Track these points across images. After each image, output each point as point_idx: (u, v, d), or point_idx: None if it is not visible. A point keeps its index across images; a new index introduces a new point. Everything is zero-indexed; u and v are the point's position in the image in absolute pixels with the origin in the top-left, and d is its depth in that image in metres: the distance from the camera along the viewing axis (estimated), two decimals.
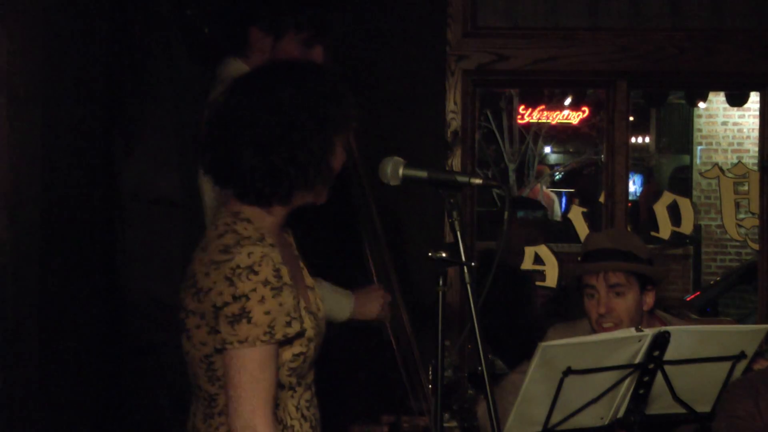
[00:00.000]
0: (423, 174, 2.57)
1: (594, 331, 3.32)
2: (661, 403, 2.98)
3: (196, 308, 2.31)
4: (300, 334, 2.33)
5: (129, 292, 3.76)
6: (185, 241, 3.72)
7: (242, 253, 2.26)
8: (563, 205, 13.20)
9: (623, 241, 3.40)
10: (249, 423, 2.25)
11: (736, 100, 10.81)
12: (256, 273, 2.24)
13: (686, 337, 2.88)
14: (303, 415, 2.42)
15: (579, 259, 3.47)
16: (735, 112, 12.43)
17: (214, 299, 2.26)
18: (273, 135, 2.29)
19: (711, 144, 12.92)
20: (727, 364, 2.96)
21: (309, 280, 2.53)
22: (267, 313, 2.24)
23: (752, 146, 11.83)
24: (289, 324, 2.28)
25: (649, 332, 2.83)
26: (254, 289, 2.24)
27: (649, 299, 3.36)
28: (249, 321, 2.23)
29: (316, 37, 3.28)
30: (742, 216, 4.66)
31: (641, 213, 11.56)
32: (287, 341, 2.31)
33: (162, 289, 3.72)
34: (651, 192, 12.26)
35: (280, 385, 2.35)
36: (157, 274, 3.75)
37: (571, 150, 14.01)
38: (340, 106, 2.35)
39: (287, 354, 2.34)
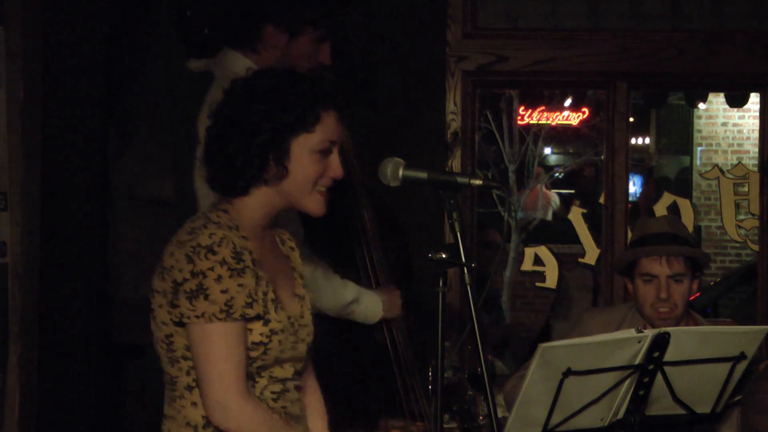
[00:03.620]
0: (423, 175, 2.57)
1: (644, 316, 3.36)
2: (661, 404, 2.98)
3: (160, 287, 2.39)
4: (258, 318, 2.38)
5: (119, 291, 3.76)
6: None
7: (204, 234, 2.35)
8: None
9: (680, 227, 3.45)
10: (220, 400, 2.32)
11: (736, 100, 10.79)
12: (214, 253, 2.32)
13: (686, 338, 2.88)
14: (268, 406, 2.44)
15: (632, 242, 3.48)
16: (735, 113, 12.42)
17: (174, 276, 2.34)
18: (228, 128, 2.41)
19: (711, 145, 12.90)
20: (727, 365, 2.96)
21: (300, 290, 2.57)
22: (224, 291, 2.32)
23: (752, 147, 11.82)
24: (249, 305, 2.35)
25: (648, 333, 2.83)
26: (211, 268, 2.32)
27: (695, 286, 3.43)
28: (206, 298, 2.31)
29: (328, 34, 3.31)
30: (742, 217, 4.66)
31: (641, 214, 11.55)
32: (248, 323, 2.37)
33: (150, 289, 3.72)
34: (650, 193, 12.24)
35: None
36: (146, 274, 3.75)
37: (571, 151, 13.99)
38: (291, 110, 2.41)
39: (246, 340, 2.38)
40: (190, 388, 2.41)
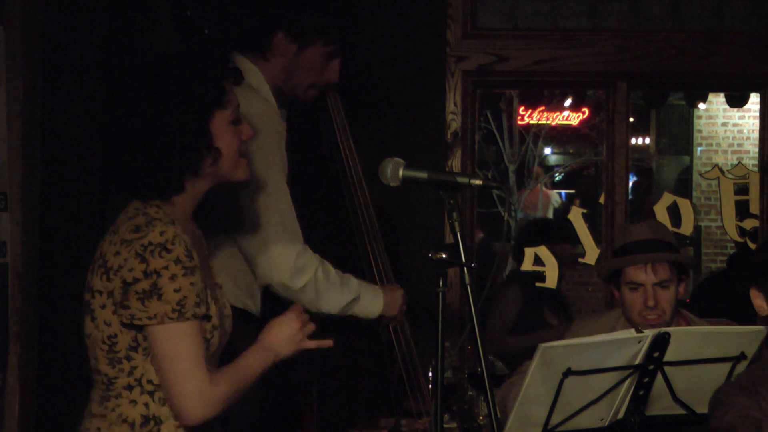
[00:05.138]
0: (423, 175, 2.58)
1: (633, 324, 3.32)
2: (661, 404, 2.98)
3: (103, 287, 2.35)
4: (207, 318, 2.38)
5: None
6: None
7: (155, 231, 2.32)
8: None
9: (662, 232, 3.43)
10: (197, 394, 2.32)
11: (736, 101, 10.79)
12: (168, 251, 2.30)
13: (686, 338, 2.88)
14: None
15: (615, 250, 3.47)
16: (735, 113, 12.42)
17: (124, 276, 2.31)
18: (140, 132, 2.38)
19: (711, 145, 12.90)
20: (727, 365, 2.96)
21: (218, 278, 2.57)
22: (177, 290, 2.30)
23: (752, 147, 11.82)
24: (198, 305, 2.34)
25: (648, 333, 2.83)
26: (166, 267, 2.29)
27: (682, 289, 3.40)
28: (159, 298, 2.29)
29: (339, 51, 3.30)
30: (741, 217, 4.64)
31: (645, 214, 11.51)
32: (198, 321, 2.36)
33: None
34: (644, 189, 12.25)
35: None
36: None
37: (571, 151, 14.00)
38: (203, 89, 2.41)
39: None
40: (130, 387, 2.39)
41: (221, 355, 2.53)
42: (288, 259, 3.14)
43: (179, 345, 2.32)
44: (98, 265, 2.38)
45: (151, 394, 2.38)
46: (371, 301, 3.31)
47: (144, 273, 2.30)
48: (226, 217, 3.05)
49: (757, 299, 2.86)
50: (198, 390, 2.33)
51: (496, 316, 5.57)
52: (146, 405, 2.39)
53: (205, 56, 2.51)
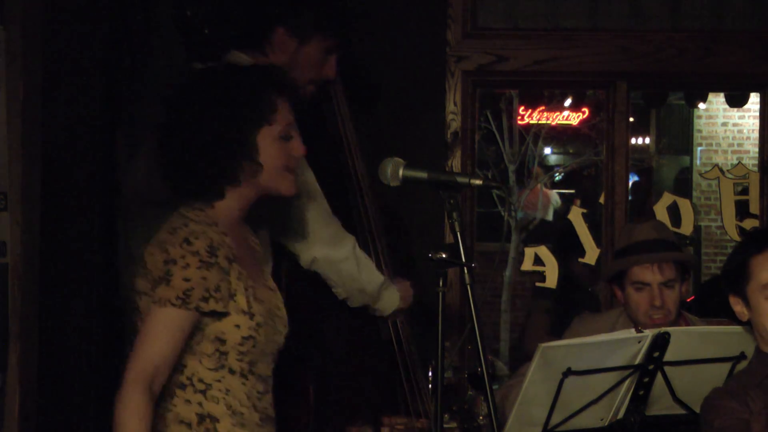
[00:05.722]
0: (423, 175, 2.59)
1: (638, 323, 3.32)
2: (661, 404, 2.98)
3: (146, 289, 2.43)
4: (213, 314, 2.40)
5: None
6: None
7: (184, 230, 2.41)
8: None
9: (666, 232, 3.44)
10: (125, 378, 2.35)
11: (736, 100, 10.79)
12: (189, 243, 2.38)
13: (686, 338, 2.89)
14: (254, 405, 2.50)
15: (620, 250, 3.46)
16: (735, 113, 12.41)
17: (151, 269, 2.40)
18: (183, 138, 2.48)
19: (711, 145, 12.90)
20: (727, 365, 2.96)
21: (271, 282, 2.63)
22: (186, 279, 2.36)
23: (752, 147, 11.81)
24: (205, 299, 2.38)
25: (648, 333, 2.84)
26: (183, 256, 2.37)
27: (685, 288, 3.41)
28: (168, 283, 2.36)
29: (337, 46, 3.31)
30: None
31: (646, 214, 11.49)
32: (220, 317, 2.41)
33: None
34: (644, 189, 12.23)
35: (230, 371, 2.45)
36: None
37: (571, 151, 13.98)
38: (249, 104, 2.48)
39: (236, 336, 2.44)
40: (183, 386, 2.45)
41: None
42: (328, 230, 3.22)
43: (152, 327, 2.37)
44: (140, 267, 2.47)
45: (203, 392, 2.43)
46: (391, 296, 3.36)
47: (164, 261, 2.39)
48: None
49: (737, 306, 2.86)
50: (128, 375, 2.35)
51: (533, 321, 5.60)
52: (200, 404, 2.44)
53: (262, 72, 2.58)
